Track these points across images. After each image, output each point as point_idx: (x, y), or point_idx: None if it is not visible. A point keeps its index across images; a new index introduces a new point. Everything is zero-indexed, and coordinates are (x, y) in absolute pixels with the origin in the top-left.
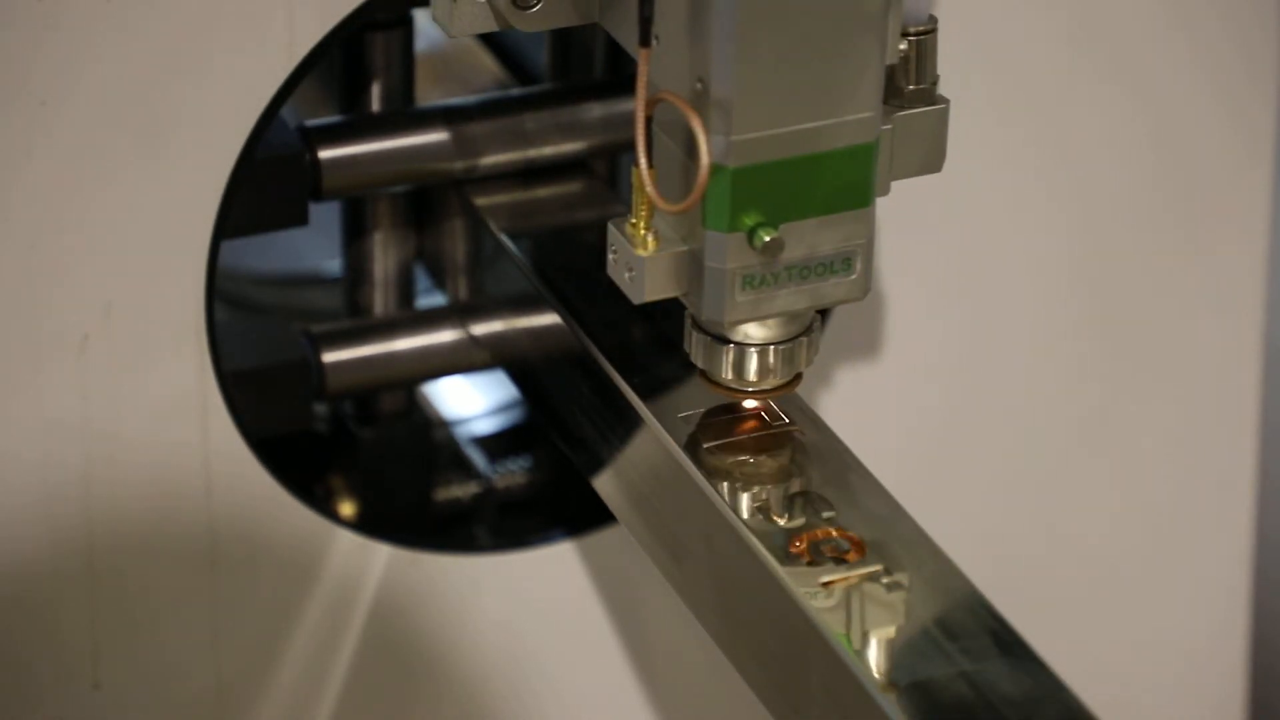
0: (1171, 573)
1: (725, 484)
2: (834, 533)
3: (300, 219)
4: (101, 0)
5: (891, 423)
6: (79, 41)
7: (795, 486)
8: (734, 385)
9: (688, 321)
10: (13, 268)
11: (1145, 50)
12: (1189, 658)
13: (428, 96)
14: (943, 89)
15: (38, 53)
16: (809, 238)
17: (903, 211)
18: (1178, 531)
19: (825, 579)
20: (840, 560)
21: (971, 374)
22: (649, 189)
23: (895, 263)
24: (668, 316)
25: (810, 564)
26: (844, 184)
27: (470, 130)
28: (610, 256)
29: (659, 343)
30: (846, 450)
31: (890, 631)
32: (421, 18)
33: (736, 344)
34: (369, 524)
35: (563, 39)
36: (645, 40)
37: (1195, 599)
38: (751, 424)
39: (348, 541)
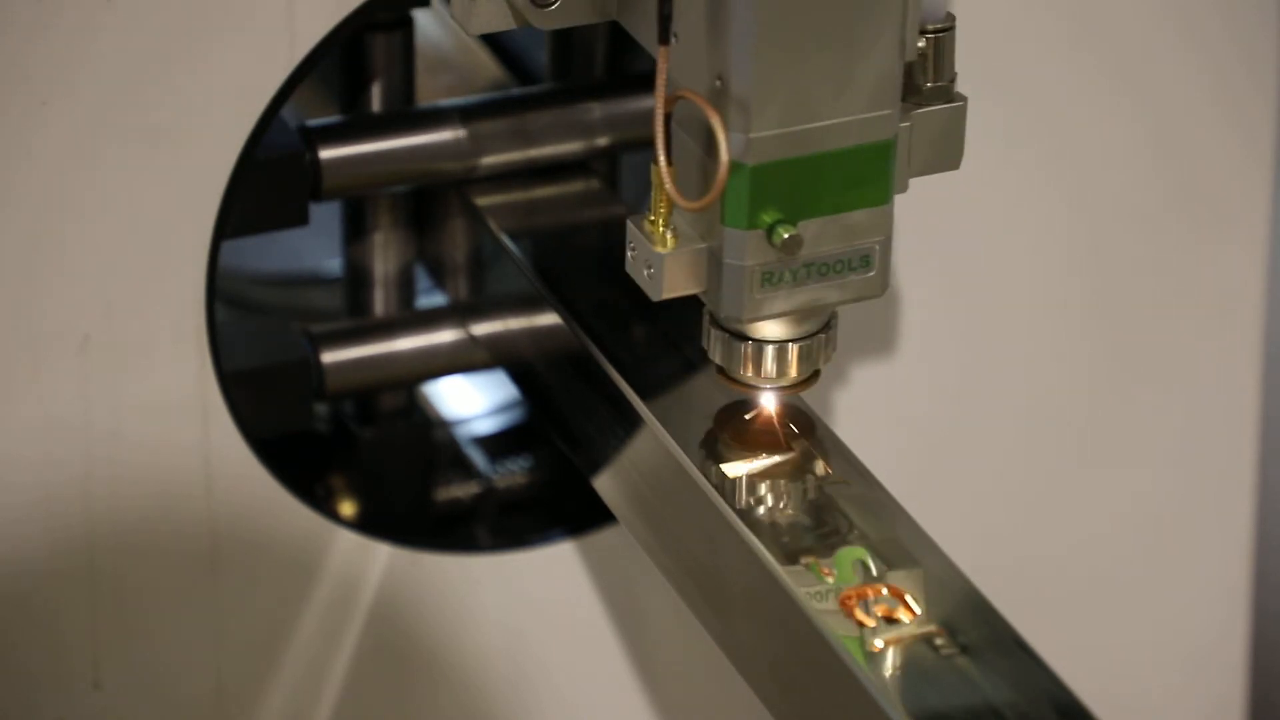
0: (1171, 573)
1: (726, 484)
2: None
3: (301, 219)
4: (102, 0)
5: (891, 423)
6: (79, 41)
7: (795, 487)
8: (752, 382)
9: (706, 318)
10: (13, 267)
11: (1146, 52)
12: (1189, 658)
13: (428, 97)
14: None
15: (38, 53)
16: (827, 235)
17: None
18: (1178, 531)
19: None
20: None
21: (971, 375)
22: (668, 186)
23: (895, 265)
24: (668, 316)
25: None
26: (862, 181)
27: (471, 130)
28: (629, 254)
29: (660, 343)
30: (846, 449)
31: (890, 633)
32: (422, 17)
33: (755, 341)
34: (369, 524)
35: (563, 39)
36: (664, 38)
37: (1195, 599)
38: (751, 425)
39: (348, 541)
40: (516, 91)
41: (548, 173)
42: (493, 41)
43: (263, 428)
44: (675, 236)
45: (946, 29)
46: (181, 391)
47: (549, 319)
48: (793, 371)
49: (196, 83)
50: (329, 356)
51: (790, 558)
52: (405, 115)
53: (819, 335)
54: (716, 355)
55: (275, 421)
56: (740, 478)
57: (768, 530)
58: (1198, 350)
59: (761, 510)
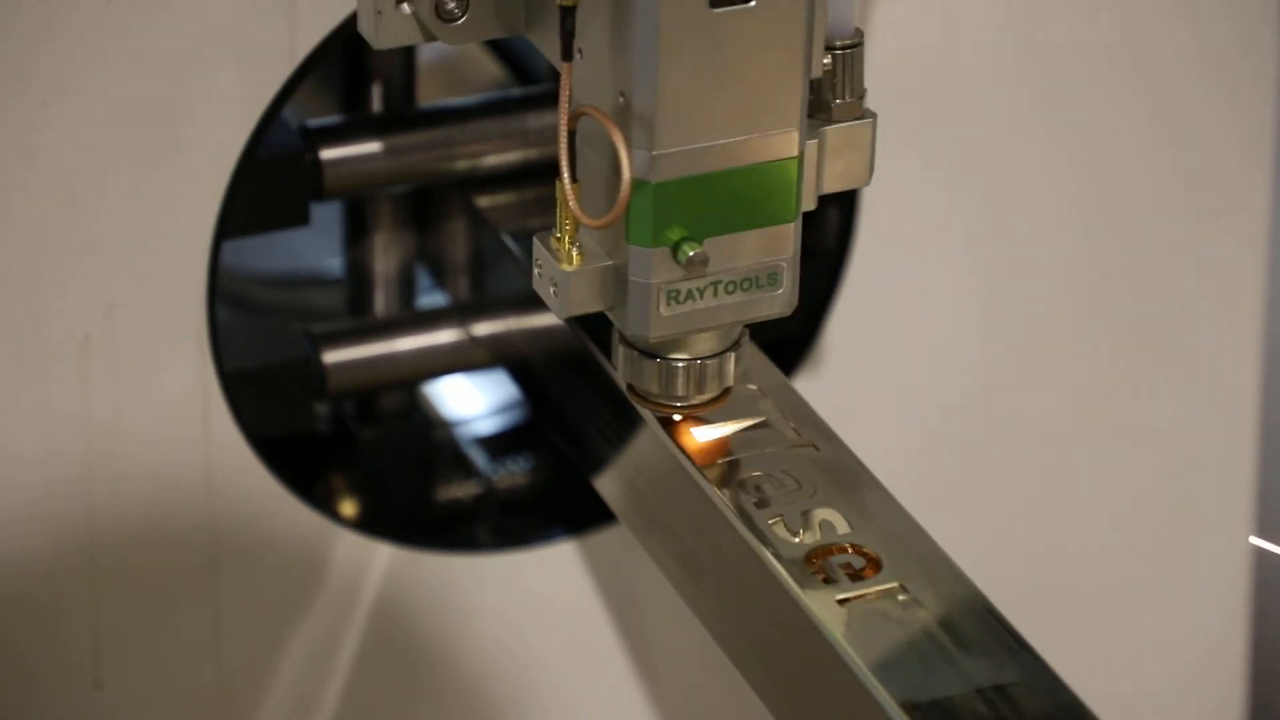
0: (1171, 573)
1: (726, 485)
2: (847, 549)
3: (302, 219)
4: (103, 1)
5: (890, 423)
6: (81, 42)
7: (794, 487)
8: (662, 400)
9: (614, 336)
10: (15, 268)
11: (1146, 51)
12: (1189, 658)
13: (429, 97)
14: (944, 91)
15: (40, 53)
16: (734, 252)
17: (900, 212)
18: (1178, 531)
19: (828, 584)
20: (854, 576)
21: (971, 375)
22: (572, 204)
23: (895, 263)
24: None
25: (813, 569)
26: (769, 199)
27: (471, 130)
28: (535, 271)
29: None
30: (846, 449)
31: (891, 632)
32: None
33: (664, 359)
34: (370, 523)
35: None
36: (568, 54)
37: (1195, 599)
38: (750, 424)
39: (349, 541)
40: (516, 91)
41: (547, 173)
42: (494, 42)
43: (264, 427)
44: (581, 254)
45: (854, 45)
46: (182, 391)
47: (549, 319)
48: (703, 389)
49: (198, 83)
50: (330, 357)
51: (789, 558)
52: (406, 116)
53: (729, 353)
54: (626, 374)
55: (276, 421)
56: (740, 478)
57: (768, 531)
58: (1198, 349)
59: (761, 511)
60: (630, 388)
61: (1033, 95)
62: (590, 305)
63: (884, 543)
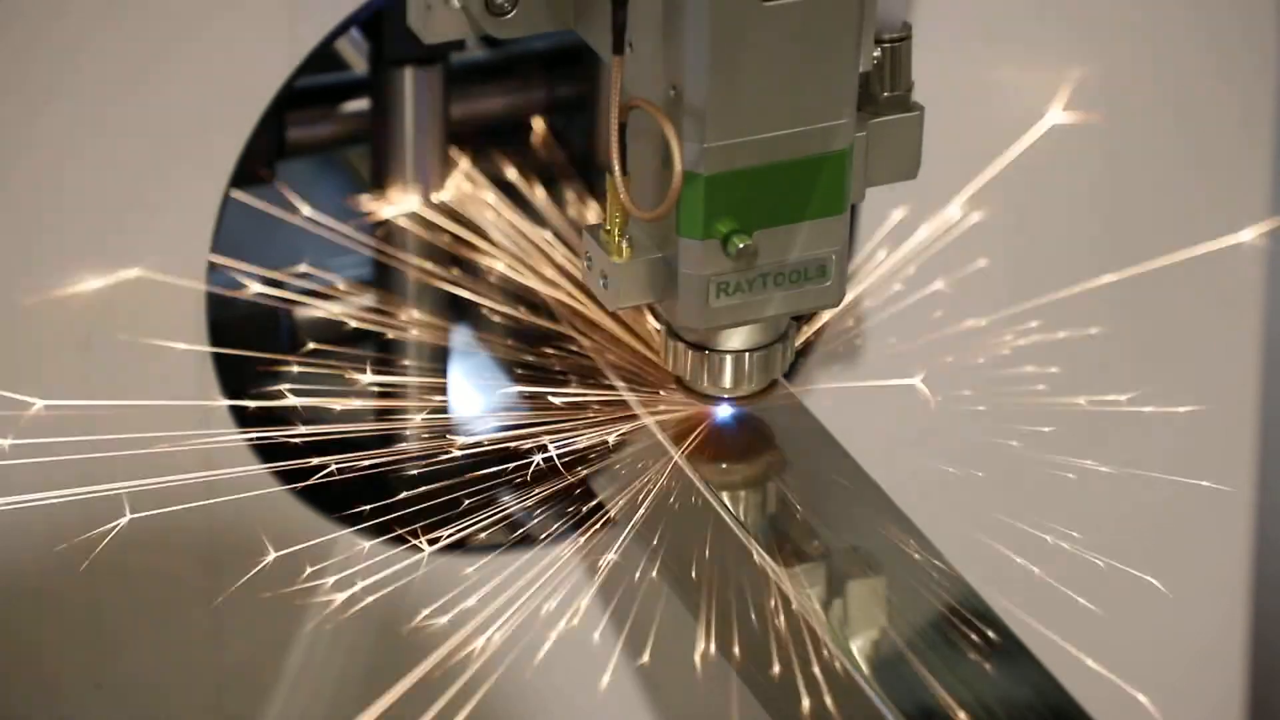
0: (1171, 573)
1: (726, 486)
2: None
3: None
4: (103, 0)
5: (887, 422)
6: (80, 40)
7: (794, 487)
8: (710, 392)
9: (663, 329)
10: (14, 266)
11: (1146, 50)
12: (1189, 658)
13: None
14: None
15: (38, 51)
16: (783, 244)
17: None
18: (1178, 531)
19: (825, 584)
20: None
21: (970, 373)
22: (623, 196)
23: (894, 260)
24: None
25: (809, 568)
26: (818, 191)
27: None
28: (584, 264)
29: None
30: (842, 450)
31: (888, 632)
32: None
33: (712, 351)
34: (369, 524)
35: None
36: (619, 48)
37: (1195, 599)
38: (751, 425)
39: (348, 541)
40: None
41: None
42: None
43: (237, 380)
44: (631, 247)
45: (902, 38)
46: (182, 391)
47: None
48: (751, 381)
49: (197, 83)
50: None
51: (790, 559)
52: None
53: (776, 344)
54: (673, 366)
55: (249, 375)
56: (741, 479)
57: (767, 532)
58: (1198, 350)
59: (761, 511)
60: (677, 379)
61: (1030, 95)
62: (640, 297)
63: (881, 543)
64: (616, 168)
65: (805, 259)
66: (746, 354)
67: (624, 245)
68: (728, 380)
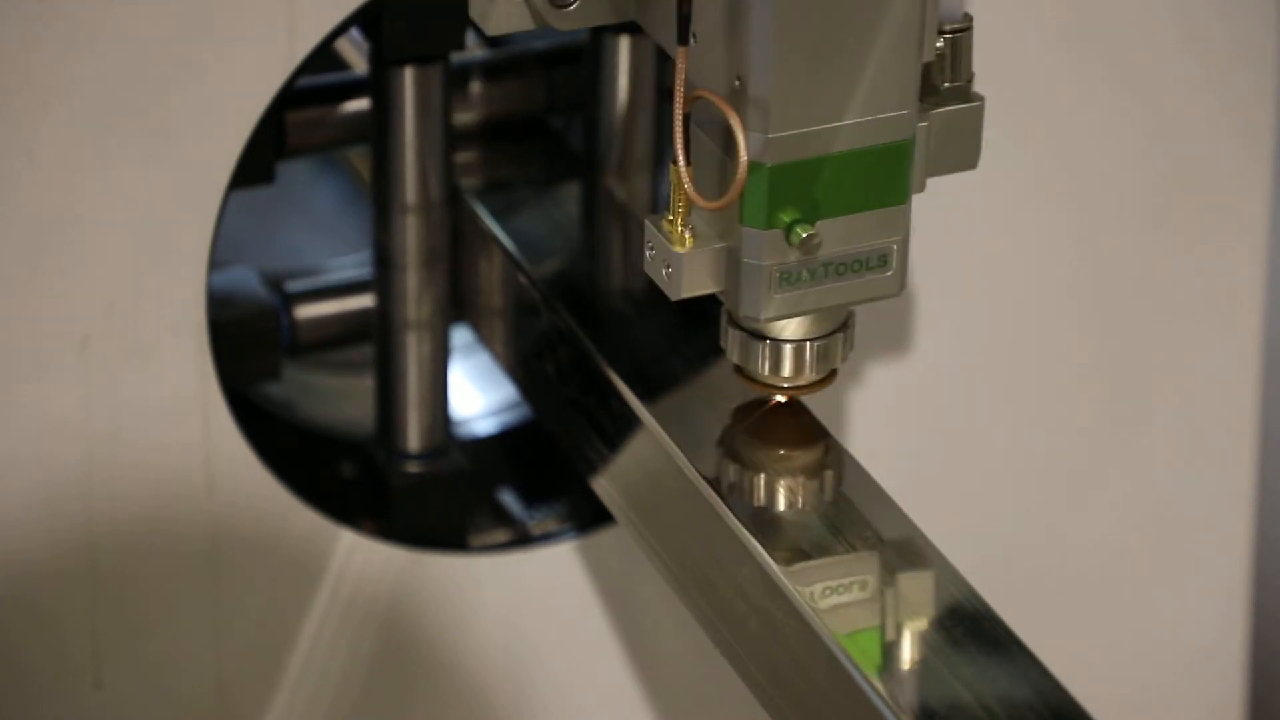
0: (1171, 573)
1: (726, 485)
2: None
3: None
4: (103, 1)
5: (890, 423)
6: (80, 41)
7: (795, 488)
8: (770, 381)
9: (724, 318)
10: (14, 267)
11: (1145, 51)
12: (1189, 658)
13: None
14: None
15: (39, 52)
16: (845, 234)
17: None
18: (1178, 531)
19: (828, 585)
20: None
21: (972, 374)
22: (687, 186)
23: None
24: (667, 317)
25: (809, 570)
26: (880, 181)
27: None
28: (647, 253)
29: (658, 344)
30: (843, 449)
31: (888, 632)
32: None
33: (773, 340)
34: (369, 524)
35: None
36: (684, 38)
37: (1195, 599)
38: (759, 427)
39: (348, 541)
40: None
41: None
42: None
43: (235, 378)
44: (693, 236)
45: (964, 29)
46: (182, 391)
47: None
48: (810, 371)
49: (197, 83)
50: (302, 311)
51: (789, 559)
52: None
53: (836, 334)
54: (734, 355)
55: (247, 372)
56: (741, 480)
57: (767, 532)
58: (1198, 350)
59: (761, 511)
60: (738, 369)
61: (1031, 98)
62: (703, 287)
63: (882, 543)
64: (681, 157)
65: (867, 249)
66: (807, 344)
67: (687, 235)
68: (787, 369)
